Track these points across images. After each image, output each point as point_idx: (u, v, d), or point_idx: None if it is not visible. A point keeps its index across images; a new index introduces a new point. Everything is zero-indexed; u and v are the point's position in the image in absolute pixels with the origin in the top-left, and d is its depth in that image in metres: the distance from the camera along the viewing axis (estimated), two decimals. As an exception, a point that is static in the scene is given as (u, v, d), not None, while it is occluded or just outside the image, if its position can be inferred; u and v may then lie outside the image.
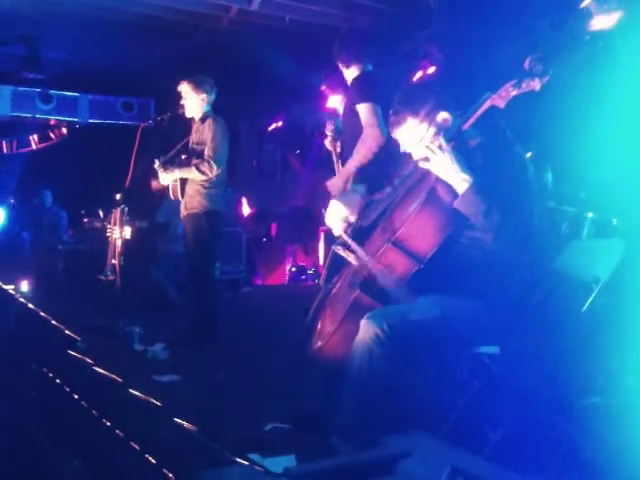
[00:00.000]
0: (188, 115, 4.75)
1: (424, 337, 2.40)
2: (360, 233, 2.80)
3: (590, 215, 4.21)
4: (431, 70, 6.49)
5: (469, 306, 2.47)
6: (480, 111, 2.49)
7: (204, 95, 4.68)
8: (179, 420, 2.07)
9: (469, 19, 5.63)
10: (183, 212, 4.71)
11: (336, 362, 2.55)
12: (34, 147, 9.66)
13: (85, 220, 7.74)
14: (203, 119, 4.72)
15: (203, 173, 4.54)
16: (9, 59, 8.03)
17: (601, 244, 3.32)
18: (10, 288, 5.52)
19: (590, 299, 2.58)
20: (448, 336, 2.44)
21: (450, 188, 2.39)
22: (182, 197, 4.71)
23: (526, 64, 2.44)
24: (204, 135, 4.65)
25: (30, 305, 4.17)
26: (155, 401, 2.30)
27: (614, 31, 4.60)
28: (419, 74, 6.60)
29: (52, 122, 9.52)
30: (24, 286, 6.38)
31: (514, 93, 2.47)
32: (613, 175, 4.30)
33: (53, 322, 3.74)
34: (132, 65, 8.36)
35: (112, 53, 7.91)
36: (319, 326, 2.74)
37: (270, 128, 10.22)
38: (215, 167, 4.54)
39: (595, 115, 4.41)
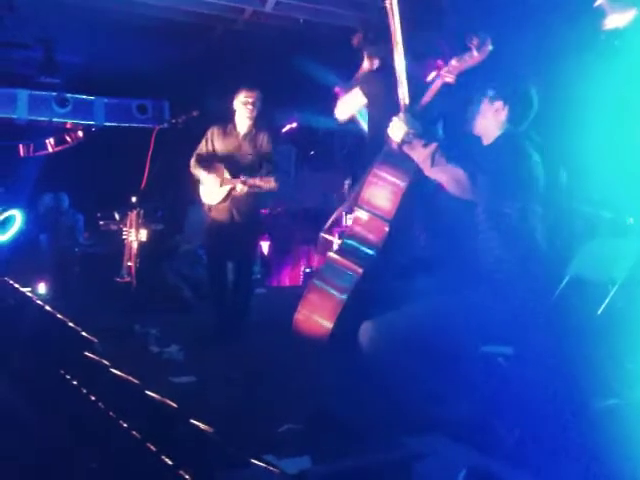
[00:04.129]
0: (245, 120, 4.78)
1: (429, 341, 2.45)
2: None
3: (606, 215, 4.18)
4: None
5: (475, 304, 2.49)
6: (433, 88, 2.80)
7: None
8: (195, 421, 2.08)
9: (482, 18, 5.60)
10: (236, 216, 4.75)
11: (312, 330, 2.62)
12: (50, 150, 9.72)
13: (101, 223, 7.79)
14: (256, 130, 4.81)
15: (277, 182, 4.71)
16: (26, 63, 8.09)
17: (617, 244, 3.30)
18: (27, 290, 5.56)
19: (607, 301, 2.57)
20: (452, 337, 2.47)
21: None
22: (224, 200, 4.75)
23: (466, 39, 2.60)
24: (263, 147, 4.77)
25: (47, 307, 4.20)
26: (171, 402, 2.32)
27: (629, 29, 4.56)
28: (433, 74, 6.57)
29: (68, 125, 9.57)
30: (41, 288, 6.43)
31: (460, 67, 2.73)
32: (629, 174, 4.26)
33: (70, 324, 3.77)
34: (147, 67, 8.40)
35: (126, 56, 7.95)
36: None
37: (284, 129, 10.22)
38: None
39: (610, 114, 4.38)
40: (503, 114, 2.65)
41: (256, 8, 6.50)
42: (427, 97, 2.81)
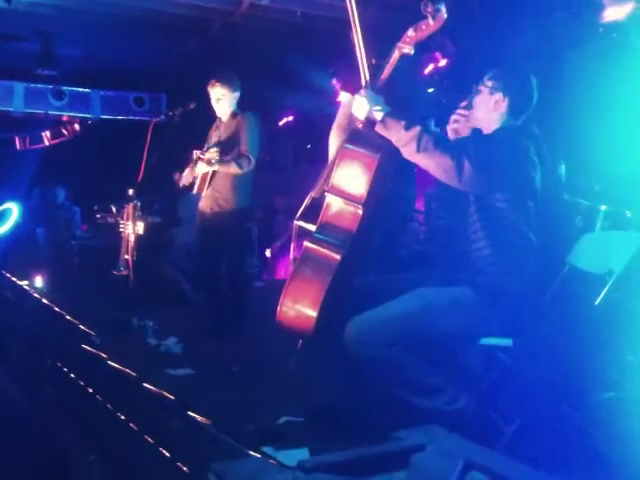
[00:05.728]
0: (220, 115, 4.75)
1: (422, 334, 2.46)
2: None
3: (604, 208, 4.18)
4: (443, 62, 6.44)
5: (468, 296, 2.49)
6: (392, 61, 2.69)
7: (237, 94, 4.70)
8: (193, 413, 2.08)
9: (483, 11, 5.59)
10: (214, 208, 4.71)
11: (296, 322, 2.61)
12: (47, 143, 9.69)
13: (98, 216, 7.76)
14: (233, 116, 4.72)
15: (241, 168, 4.56)
16: (23, 55, 8.06)
17: (615, 237, 3.30)
18: (25, 283, 5.56)
19: (604, 292, 2.57)
20: (447, 329, 2.47)
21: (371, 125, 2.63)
22: (206, 191, 4.72)
23: (421, 8, 2.57)
24: (238, 131, 4.66)
25: (45, 300, 4.20)
26: (169, 395, 2.32)
27: (629, 23, 4.56)
28: (430, 66, 6.56)
29: (65, 118, 9.54)
30: (38, 281, 6.42)
31: (417, 37, 2.64)
32: (628, 167, 4.26)
33: (68, 317, 3.77)
34: (143, 60, 8.36)
35: (124, 48, 7.92)
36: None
37: (281, 122, 10.20)
38: (253, 162, 4.58)
39: (610, 107, 4.38)
40: (503, 106, 2.62)
41: (253, 1, 6.47)
42: (386, 71, 2.72)
